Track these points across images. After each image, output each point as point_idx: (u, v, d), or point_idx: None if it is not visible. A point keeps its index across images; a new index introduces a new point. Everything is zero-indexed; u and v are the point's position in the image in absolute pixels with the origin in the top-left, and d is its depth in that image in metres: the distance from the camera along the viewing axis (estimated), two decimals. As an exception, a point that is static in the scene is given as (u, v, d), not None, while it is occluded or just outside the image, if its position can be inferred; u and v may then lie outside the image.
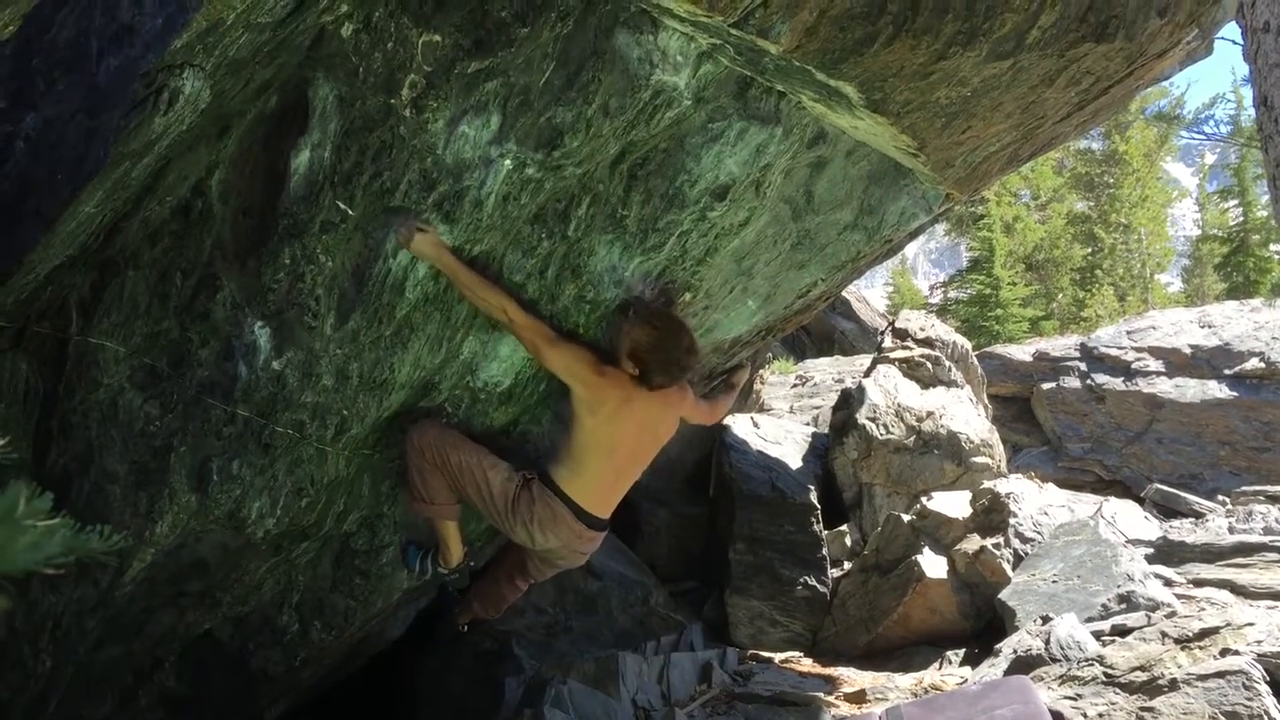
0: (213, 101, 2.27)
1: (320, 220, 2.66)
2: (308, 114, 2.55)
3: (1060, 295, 23.14)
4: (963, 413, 7.48)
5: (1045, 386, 11.20)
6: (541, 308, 3.18)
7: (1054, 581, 4.96)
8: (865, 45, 2.57)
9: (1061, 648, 3.99)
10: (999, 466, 7.36)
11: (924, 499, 6.14)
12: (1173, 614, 3.94)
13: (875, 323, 14.33)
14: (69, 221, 2.13)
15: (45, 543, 0.81)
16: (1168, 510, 7.98)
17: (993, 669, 4.19)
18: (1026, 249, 23.00)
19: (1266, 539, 5.17)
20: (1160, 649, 3.59)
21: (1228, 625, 3.61)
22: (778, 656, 5.75)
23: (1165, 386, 10.54)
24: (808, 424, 8.84)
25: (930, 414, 7.30)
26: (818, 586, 6.14)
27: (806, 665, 5.58)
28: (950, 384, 7.86)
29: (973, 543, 5.64)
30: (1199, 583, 4.86)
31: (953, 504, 6.02)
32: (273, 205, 2.63)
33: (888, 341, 8.33)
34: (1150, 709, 3.30)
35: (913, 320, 8.55)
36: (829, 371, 11.81)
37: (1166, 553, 5.38)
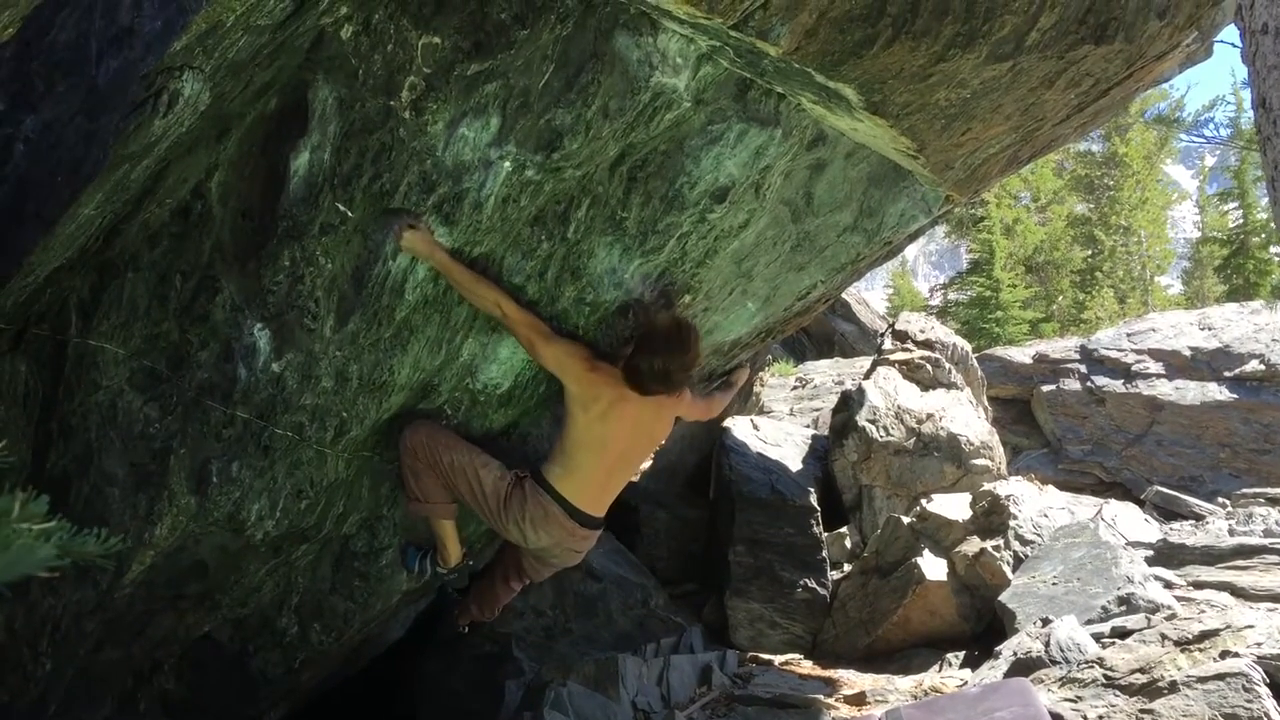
0: (212, 104, 2.27)
1: (320, 222, 2.66)
2: (307, 116, 2.55)
3: (1060, 297, 23.13)
4: (963, 415, 7.47)
5: (1045, 389, 11.19)
6: (541, 310, 3.18)
7: (1054, 584, 4.96)
8: (865, 47, 2.57)
9: (1061, 650, 3.99)
10: (999, 469, 7.36)
11: (924, 501, 6.14)
12: (1173, 616, 3.93)
13: (875, 325, 14.32)
14: (68, 224, 2.13)
15: (40, 546, 0.80)
16: (1168, 512, 7.98)
17: (993, 671, 4.19)
18: (1026, 251, 23.00)
19: (1266, 541, 5.17)
20: (1160, 651, 3.59)
21: (1228, 627, 3.61)
22: (777, 659, 5.75)
23: (1165, 389, 10.54)
24: (808, 426, 8.84)
25: (930, 416, 7.30)
26: (818, 589, 6.14)
27: (806, 667, 5.57)
28: (950, 386, 7.85)
29: (973, 545, 5.63)
30: (1199, 585, 4.86)
31: (953, 506, 6.02)
32: (272, 207, 2.63)
33: (888, 344, 8.32)
34: (1150, 711, 3.30)
35: (913, 322, 8.55)
36: (829, 374, 11.80)
37: (1166, 555, 5.38)
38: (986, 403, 8.56)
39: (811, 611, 6.09)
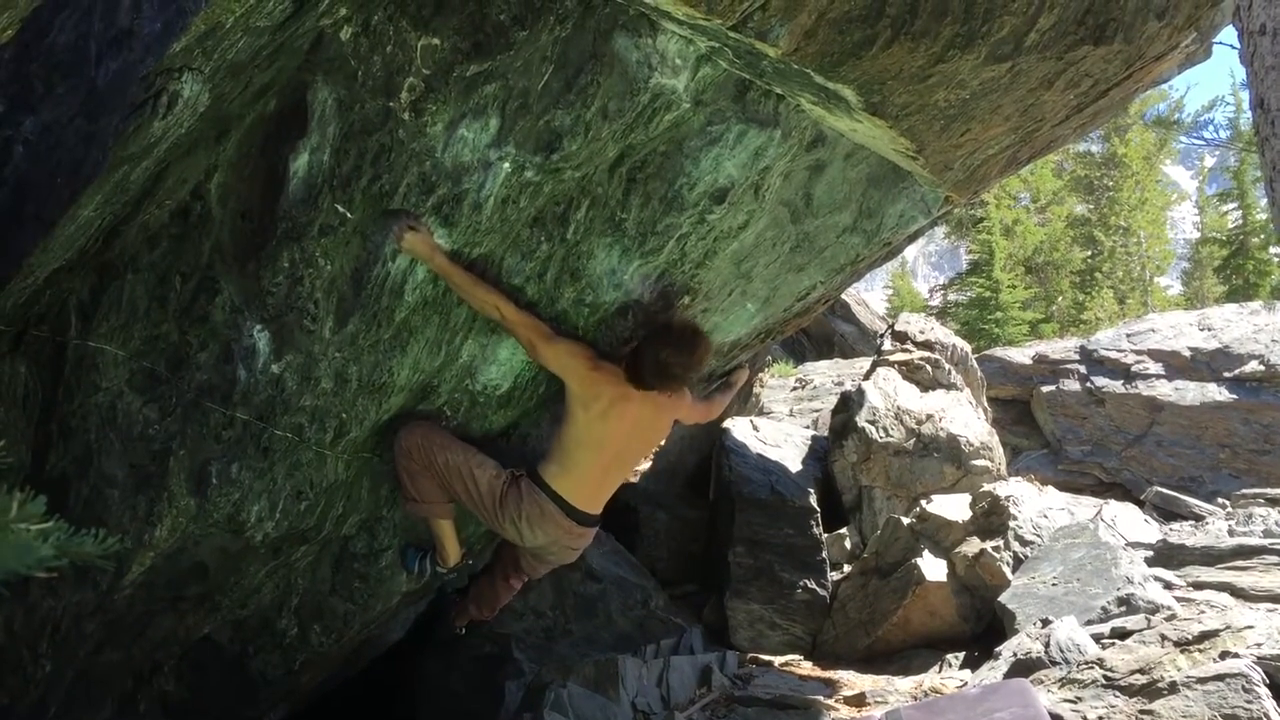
0: (211, 105, 2.27)
1: (319, 223, 2.66)
2: (307, 117, 2.55)
3: (1060, 298, 23.12)
4: (962, 415, 7.47)
5: (1045, 389, 11.18)
6: (541, 311, 3.18)
7: (1054, 584, 4.96)
8: (864, 48, 2.57)
9: (1061, 650, 3.99)
10: (998, 469, 7.36)
11: (924, 502, 6.14)
12: (1172, 617, 3.93)
13: (875, 326, 14.31)
14: (68, 225, 2.14)
15: (38, 546, 0.80)
16: (1167, 513, 7.97)
17: (993, 672, 4.19)
18: (1026, 252, 22.99)
19: (1266, 542, 5.16)
20: (1160, 652, 3.59)
21: (1227, 628, 3.61)
22: (777, 660, 5.74)
23: (1165, 389, 10.53)
24: (807, 427, 8.84)
25: (930, 417, 7.30)
26: (817, 590, 6.13)
27: (806, 668, 5.57)
28: (950, 387, 7.85)
29: (972, 546, 5.63)
30: (1199, 585, 4.86)
31: (952, 507, 6.02)
32: (272, 209, 2.64)
33: (887, 344, 8.32)
34: (1150, 712, 3.30)
35: (912, 323, 8.54)
36: (828, 374, 11.80)
37: (1166, 555, 5.38)
38: (986, 403, 8.56)
39: (811, 612, 6.08)
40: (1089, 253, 23.71)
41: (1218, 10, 3.66)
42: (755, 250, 3.53)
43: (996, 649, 4.45)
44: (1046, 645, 4.04)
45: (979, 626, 5.46)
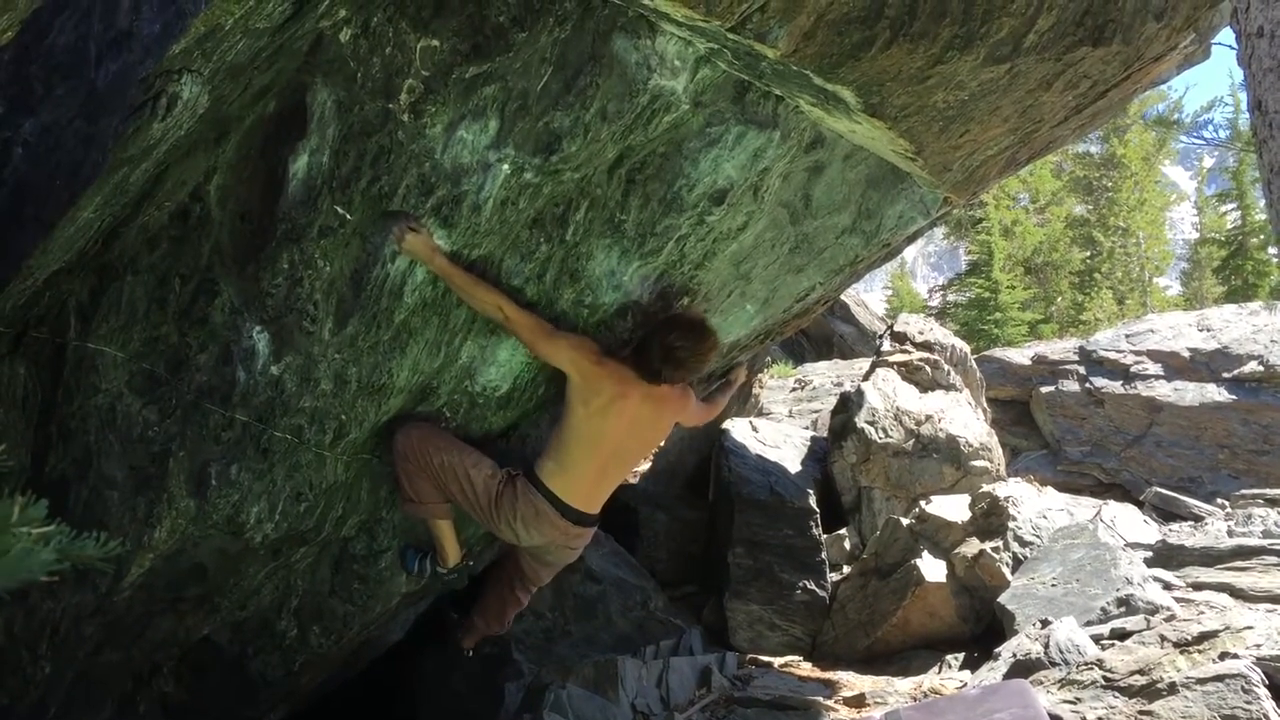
0: (211, 107, 2.27)
1: (318, 225, 2.66)
2: (306, 119, 2.55)
3: (1059, 299, 23.13)
4: (962, 416, 7.47)
5: (1044, 390, 11.18)
6: (540, 312, 3.18)
7: (1053, 585, 4.96)
8: (862, 49, 2.58)
9: (1061, 651, 3.99)
10: (998, 470, 7.36)
11: (923, 503, 6.14)
12: (1172, 617, 3.93)
13: (874, 326, 14.32)
14: (67, 227, 2.14)
15: (40, 550, 0.80)
16: (1167, 513, 7.97)
17: (992, 673, 4.19)
18: (1025, 252, 23.00)
19: (1265, 542, 5.17)
20: (1159, 652, 3.59)
21: (1227, 629, 3.61)
22: (777, 661, 5.74)
23: (1164, 390, 10.54)
24: (806, 428, 8.83)
25: (929, 417, 7.30)
26: (817, 590, 6.13)
27: (806, 669, 5.57)
28: (949, 387, 7.85)
29: (972, 546, 5.63)
30: (1198, 586, 4.86)
31: (952, 507, 6.02)
32: (271, 210, 2.64)
33: (886, 345, 8.32)
34: (1149, 713, 3.30)
35: (911, 324, 8.54)
36: (828, 375, 11.81)
37: (1165, 556, 5.38)
38: (985, 404, 8.55)
39: (811, 613, 6.08)
40: (1088, 253, 23.73)
41: (1216, 11, 3.66)
42: (754, 251, 3.54)
43: (996, 650, 4.45)
44: (1046, 646, 4.05)
45: (978, 627, 5.46)
